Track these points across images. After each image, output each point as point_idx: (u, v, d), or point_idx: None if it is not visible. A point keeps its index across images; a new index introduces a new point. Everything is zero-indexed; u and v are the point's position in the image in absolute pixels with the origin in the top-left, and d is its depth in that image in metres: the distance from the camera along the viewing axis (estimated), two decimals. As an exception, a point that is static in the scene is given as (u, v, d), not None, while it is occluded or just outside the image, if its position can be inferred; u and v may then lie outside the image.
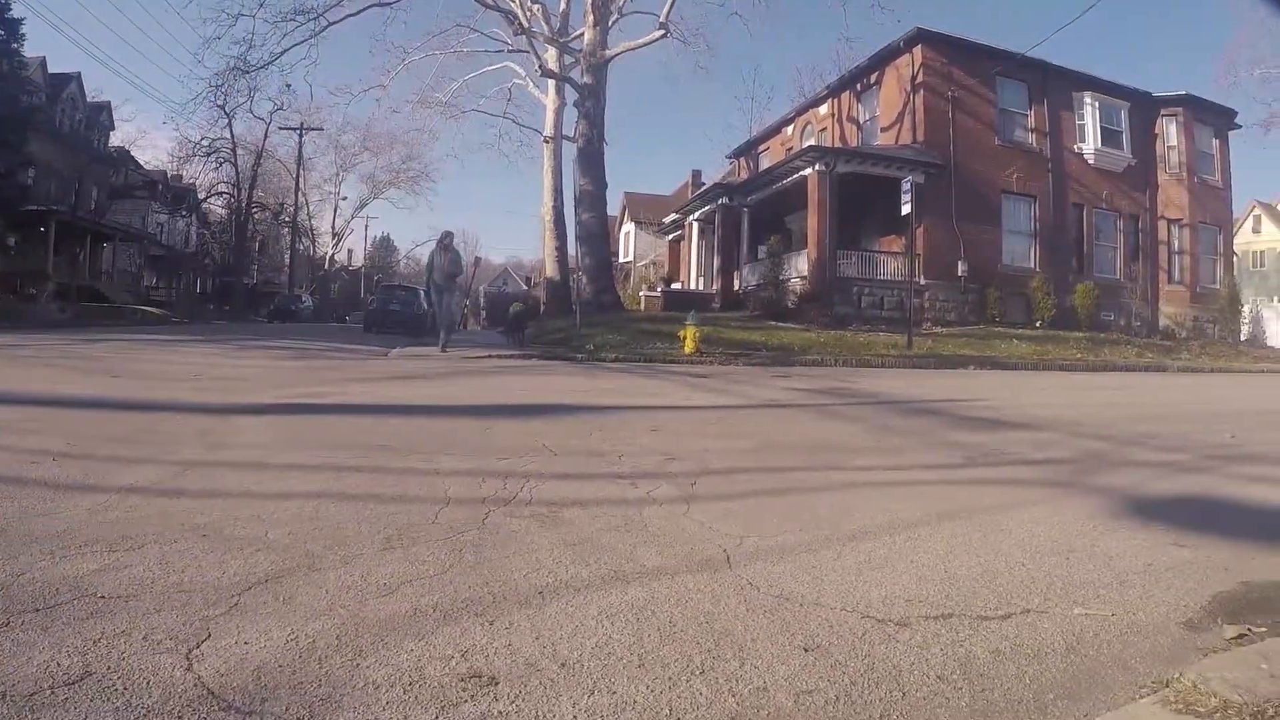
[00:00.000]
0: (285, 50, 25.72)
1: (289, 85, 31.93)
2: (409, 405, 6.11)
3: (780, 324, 21.56)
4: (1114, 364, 19.81)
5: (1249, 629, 2.20)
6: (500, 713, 1.57)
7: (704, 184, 42.86)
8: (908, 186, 18.59)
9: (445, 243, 15.91)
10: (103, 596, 2.06)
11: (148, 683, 1.61)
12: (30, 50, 34.76)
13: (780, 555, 2.67)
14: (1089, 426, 6.70)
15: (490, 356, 13.66)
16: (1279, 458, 5.52)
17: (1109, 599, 2.42)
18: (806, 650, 1.91)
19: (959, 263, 25.70)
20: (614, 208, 54.24)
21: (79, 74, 43.80)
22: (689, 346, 14.78)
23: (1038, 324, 25.65)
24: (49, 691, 1.56)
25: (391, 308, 28.61)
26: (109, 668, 1.67)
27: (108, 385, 6.88)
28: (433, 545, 2.67)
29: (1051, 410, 7.95)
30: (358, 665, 1.74)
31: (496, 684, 1.68)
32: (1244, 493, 4.24)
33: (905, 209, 18.50)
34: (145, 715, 1.49)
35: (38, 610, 1.95)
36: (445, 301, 15.73)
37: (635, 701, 1.67)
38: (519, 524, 2.97)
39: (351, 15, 25.95)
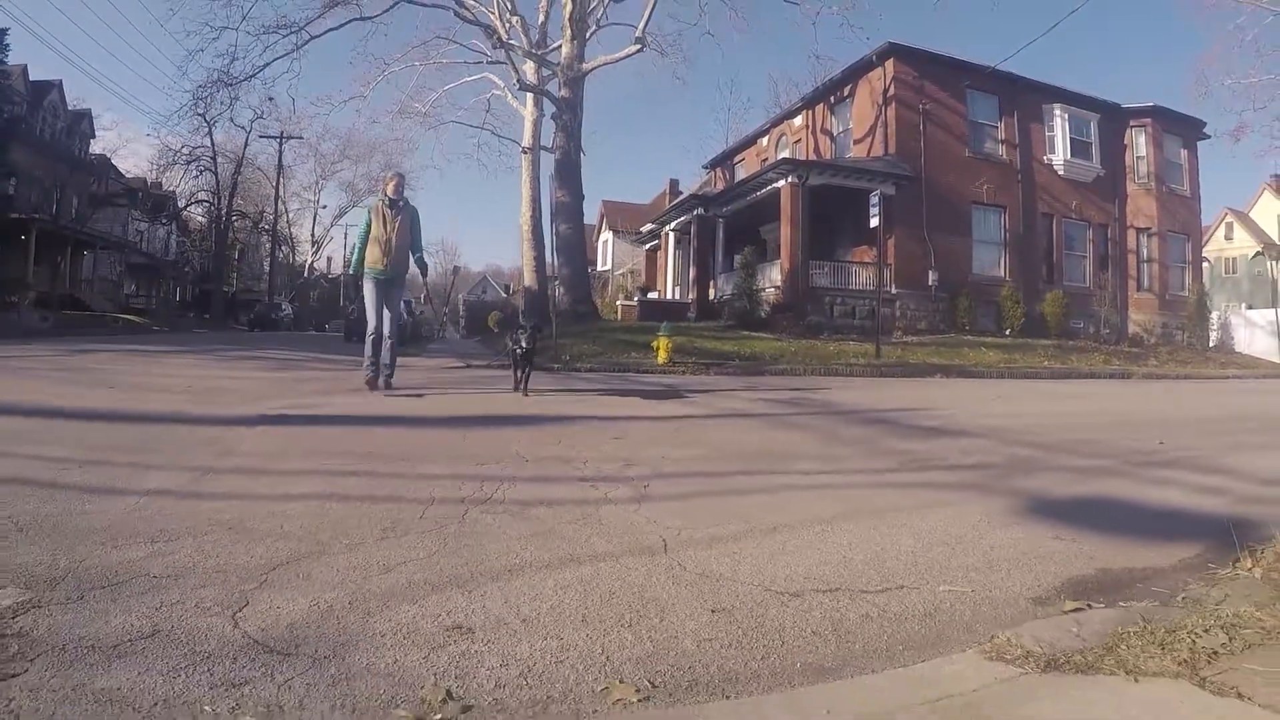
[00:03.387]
0: (268, 63, 26.07)
1: (271, 99, 32.04)
2: (392, 416, 6.55)
3: (753, 334, 22.00)
4: (1079, 371, 20.20)
5: (1088, 604, 2.70)
6: (475, 652, 2.11)
7: (681, 192, 43.45)
8: (875, 200, 19.10)
9: (394, 193, 9.28)
10: (155, 576, 2.54)
11: (205, 636, 2.12)
12: (11, 58, 35.10)
13: (709, 544, 3.19)
14: (1026, 435, 7.21)
15: (468, 367, 14.03)
16: (1194, 464, 5.95)
17: (975, 579, 2.94)
18: (714, 612, 2.45)
19: (930, 272, 26.33)
20: (592, 216, 54.70)
21: (60, 82, 43.96)
22: (661, 357, 15.21)
23: (1007, 332, 26.28)
24: (128, 644, 2.05)
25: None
26: (172, 627, 2.17)
27: (109, 397, 7.29)
28: (421, 536, 3.19)
29: (996, 419, 8.47)
30: (366, 622, 2.26)
31: (473, 633, 2.22)
32: (1142, 495, 4.73)
33: (873, 222, 19.03)
34: (207, 658, 1.99)
35: (104, 587, 2.44)
36: (381, 299, 9.25)
37: (577, 645, 2.21)
38: (493, 519, 3.48)
39: (333, 29, 26.36)
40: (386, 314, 9.18)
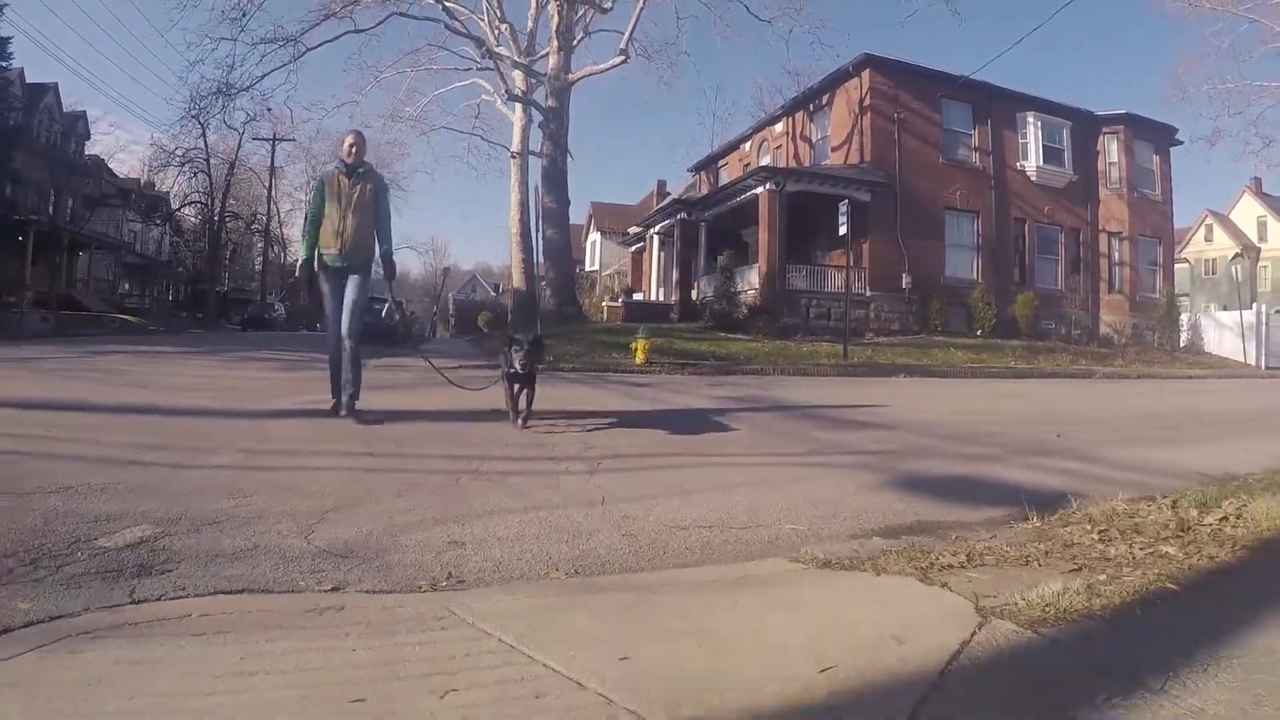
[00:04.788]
0: (265, 74, 26.97)
1: (270, 109, 32.91)
2: (393, 410, 7.61)
3: (730, 335, 23.02)
4: (1042, 371, 20.98)
5: (880, 538, 3.79)
6: (466, 555, 3.28)
7: (669, 194, 44.52)
8: (844, 208, 20.15)
9: (352, 158, 7.44)
10: (242, 518, 3.67)
11: (289, 548, 3.26)
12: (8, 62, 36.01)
13: (635, 500, 4.35)
14: (941, 428, 8.35)
15: (459, 367, 15.04)
16: (1071, 453, 6.93)
17: (816, 524, 4.09)
18: (624, 536, 3.62)
19: (903, 275, 27.45)
20: (580, 217, 55.67)
21: (56, 85, 44.81)
22: (639, 357, 16.28)
23: (978, 333, 27.28)
24: (240, 553, 3.18)
25: (364, 318, 29.91)
26: (266, 544, 3.30)
27: (146, 395, 8.35)
28: (427, 493, 4.37)
29: (926, 415, 9.60)
30: (394, 540, 3.42)
31: (465, 546, 3.39)
32: (1003, 475, 5.76)
33: (842, 229, 20.09)
34: (295, 559, 3.14)
35: (210, 524, 3.56)
36: (336, 294, 7.49)
37: (531, 551, 3.40)
38: (479, 484, 4.66)
39: (328, 41, 27.35)
40: (344, 312, 7.40)
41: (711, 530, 3.84)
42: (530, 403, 7.14)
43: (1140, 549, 3.39)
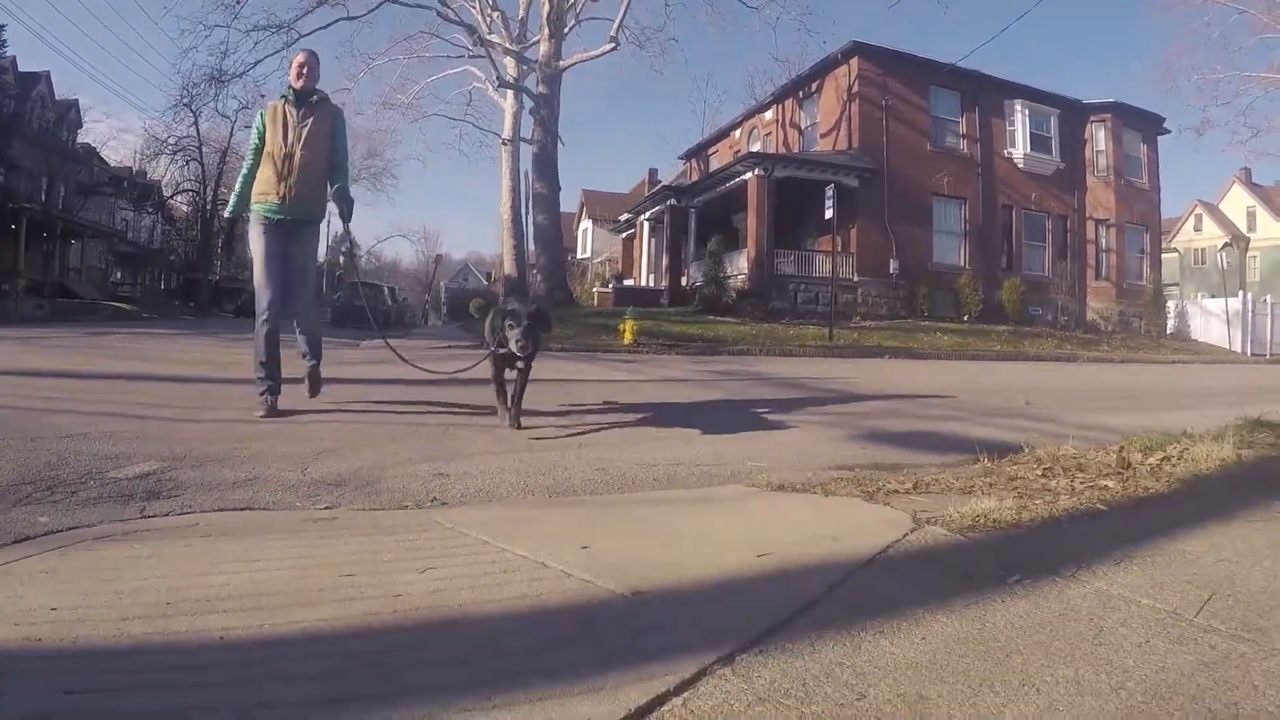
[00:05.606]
0: (258, 61, 26.96)
1: (263, 95, 32.95)
2: (389, 379, 7.87)
3: (719, 318, 23.22)
4: (1026, 354, 21.13)
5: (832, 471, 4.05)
6: (450, 484, 3.56)
7: (660, 181, 44.58)
8: (830, 193, 20.42)
9: (302, 82, 5.87)
10: (243, 457, 3.95)
11: (286, 479, 3.53)
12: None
13: (612, 445, 4.68)
14: (915, 396, 8.67)
15: (450, 348, 15.34)
16: (1034, 416, 7.22)
17: (778, 462, 4.37)
18: (598, 471, 3.92)
19: (891, 261, 27.66)
20: (572, 204, 55.65)
21: (48, 73, 44.75)
22: (627, 338, 16.53)
23: (965, 318, 27.45)
24: (240, 483, 3.45)
25: (357, 303, 30.18)
26: (265, 476, 3.58)
27: (146, 367, 8.61)
28: (419, 440, 4.68)
29: (900, 387, 9.85)
30: (385, 473, 3.70)
31: (448, 477, 3.68)
32: (963, 432, 5.98)
33: (828, 214, 20.35)
34: (291, 488, 3.41)
35: (213, 461, 3.84)
36: (278, 257, 5.74)
37: (510, 482, 3.68)
38: (468, 433, 4.97)
39: (321, 29, 27.44)
40: (294, 283, 5.84)
41: (680, 467, 4.13)
42: (521, 394, 5.47)
43: (1081, 483, 3.62)
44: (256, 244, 5.62)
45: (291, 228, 5.70)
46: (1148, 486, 3.56)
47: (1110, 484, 3.60)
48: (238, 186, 5.85)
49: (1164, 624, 1.94)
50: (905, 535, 2.67)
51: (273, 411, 5.44)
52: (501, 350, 5.23)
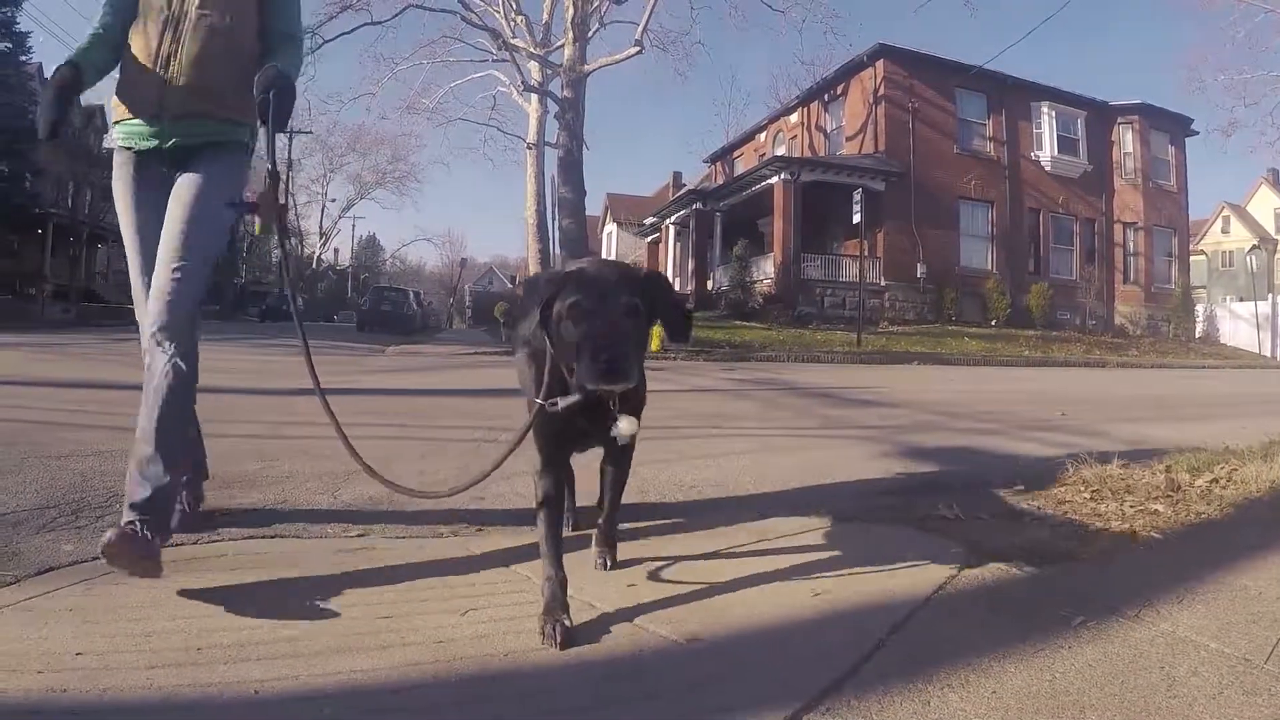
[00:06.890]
0: (284, 66, 26.90)
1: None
2: (416, 389, 7.83)
3: (745, 323, 23.19)
4: (1055, 360, 21.00)
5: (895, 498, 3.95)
6: (486, 508, 3.39)
7: (684, 185, 44.48)
8: (858, 197, 20.34)
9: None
10: (273, 478, 3.85)
11: (316, 505, 3.41)
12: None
13: (651, 464, 4.48)
14: (945, 407, 8.48)
15: (475, 353, 15.34)
16: (1073, 429, 6.98)
17: (825, 485, 4.22)
18: (637, 493, 3.73)
19: (918, 265, 27.46)
20: (597, 208, 55.51)
21: (76, 79, 45.07)
22: (654, 344, 16.39)
23: (993, 323, 27.30)
24: (269, 510, 3.32)
25: (383, 308, 30.31)
26: (295, 500, 3.47)
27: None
28: (449, 457, 4.56)
29: (932, 396, 9.76)
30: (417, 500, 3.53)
31: (484, 499, 3.52)
32: (1002, 447, 5.84)
33: (856, 218, 20.24)
34: (323, 515, 3.27)
35: (240, 484, 3.71)
36: (149, 217, 2.80)
37: None
38: (498, 450, 4.75)
39: (345, 34, 27.49)
40: (166, 255, 2.71)
41: (718, 489, 3.99)
42: (620, 496, 2.87)
43: (1130, 508, 3.50)
44: (123, 199, 2.91)
45: (182, 160, 2.83)
46: (1199, 511, 3.46)
47: (1160, 508, 3.50)
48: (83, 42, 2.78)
49: (1236, 672, 1.85)
50: (961, 570, 2.57)
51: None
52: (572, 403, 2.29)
